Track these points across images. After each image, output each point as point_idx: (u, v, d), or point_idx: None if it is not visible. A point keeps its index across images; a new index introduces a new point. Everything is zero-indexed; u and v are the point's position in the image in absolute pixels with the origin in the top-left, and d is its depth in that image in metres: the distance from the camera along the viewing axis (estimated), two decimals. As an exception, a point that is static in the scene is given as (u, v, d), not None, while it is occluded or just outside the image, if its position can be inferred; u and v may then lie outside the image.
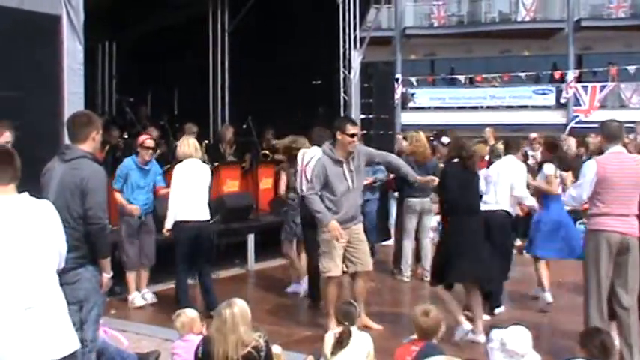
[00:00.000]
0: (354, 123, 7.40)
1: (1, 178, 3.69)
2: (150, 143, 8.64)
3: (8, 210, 3.64)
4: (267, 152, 13.18)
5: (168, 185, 8.66)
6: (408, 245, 9.99)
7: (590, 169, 6.17)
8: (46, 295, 3.67)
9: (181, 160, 8.14)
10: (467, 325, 6.84)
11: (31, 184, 4.04)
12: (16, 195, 3.73)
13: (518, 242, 10.33)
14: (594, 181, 6.08)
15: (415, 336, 5.14)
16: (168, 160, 10.57)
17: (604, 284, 6.08)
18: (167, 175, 8.89)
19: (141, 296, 8.68)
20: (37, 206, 3.76)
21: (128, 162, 8.60)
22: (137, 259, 8.56)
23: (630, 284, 6.11)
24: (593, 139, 11.71)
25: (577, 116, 27.86)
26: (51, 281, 3.73)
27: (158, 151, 9.60)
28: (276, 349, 5.48)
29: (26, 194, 3.77)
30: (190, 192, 7.96)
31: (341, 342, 5.29)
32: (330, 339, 5.40)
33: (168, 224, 8.05)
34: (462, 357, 4.30)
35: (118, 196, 8.53)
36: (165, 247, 8.49)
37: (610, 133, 6.26)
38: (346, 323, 5.42)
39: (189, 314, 5.85)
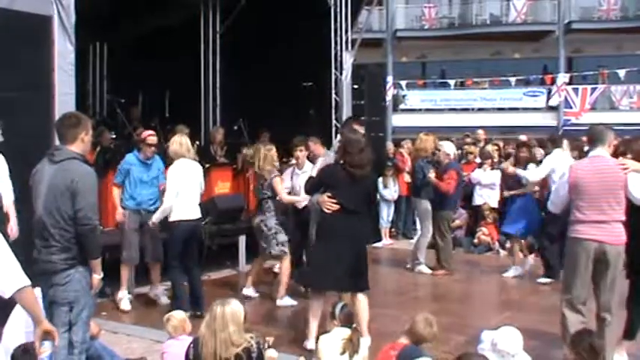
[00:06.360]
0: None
1: None
2: (153, 140, 8.53)
3: None
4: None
5: None
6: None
7: (564, 174, 6.14)
8: None
9: (173, 160, 8.14)
10: None
11: (21, 184, 4.00)
12: None
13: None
14: (567, 187, 6.01)
15: (404, 340, 5.13)
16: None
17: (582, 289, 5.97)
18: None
19: (153, 295, 8.70)
20: None
21: (130, 157, 8.48)
22: (136, 255, 8.43)
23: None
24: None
25: (568, 119, 27.92)
26: None
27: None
28: (272, 352, 5.46)
29: None
30: (186, 192, 7.97)
31: (354, 346, 5.11)
32: (328, 342, 5.20)
33: (156, 218, 8.10)
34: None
35: (115, 191, 8.48)
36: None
37: (591, 136, 6.12)
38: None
39: (178, 317, 5.85)
